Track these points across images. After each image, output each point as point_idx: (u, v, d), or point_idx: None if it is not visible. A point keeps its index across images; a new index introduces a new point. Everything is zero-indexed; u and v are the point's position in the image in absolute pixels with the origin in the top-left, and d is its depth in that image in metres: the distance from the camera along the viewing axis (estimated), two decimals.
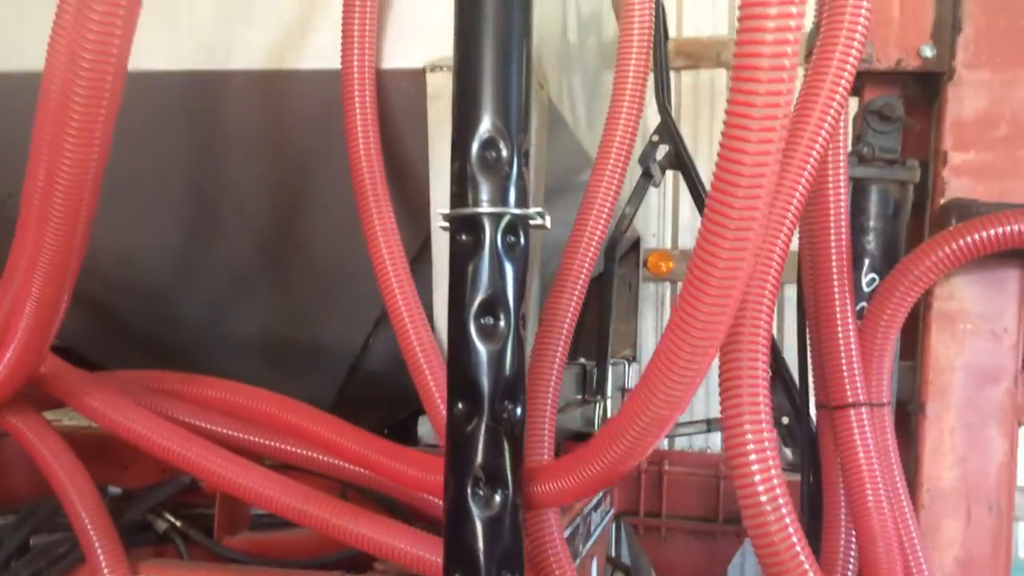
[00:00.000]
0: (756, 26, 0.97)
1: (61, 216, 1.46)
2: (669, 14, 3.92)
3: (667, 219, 4.98)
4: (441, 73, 1.91)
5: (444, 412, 1.62)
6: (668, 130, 2.60)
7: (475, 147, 1.37)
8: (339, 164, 2.11)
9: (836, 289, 1.66)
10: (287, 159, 2.21)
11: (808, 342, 1.82)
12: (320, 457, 1.93)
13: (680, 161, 3.12)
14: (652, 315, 4.90)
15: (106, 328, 2.78)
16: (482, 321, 1.36)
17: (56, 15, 1.41)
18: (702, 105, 4.90)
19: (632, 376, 3.80)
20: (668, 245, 4.97)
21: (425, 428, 2.53)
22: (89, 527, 1.75)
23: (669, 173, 2.76)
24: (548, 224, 1.43)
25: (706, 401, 4.49)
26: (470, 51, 1.42)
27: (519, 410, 1.36)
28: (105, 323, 2.73)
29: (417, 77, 1.92)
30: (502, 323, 1.36)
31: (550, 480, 1.38)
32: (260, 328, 2.75)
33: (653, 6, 1.80)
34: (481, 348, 1.35)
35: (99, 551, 1.74)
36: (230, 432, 1.91)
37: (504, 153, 1.38)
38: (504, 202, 1.37)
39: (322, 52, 1.93)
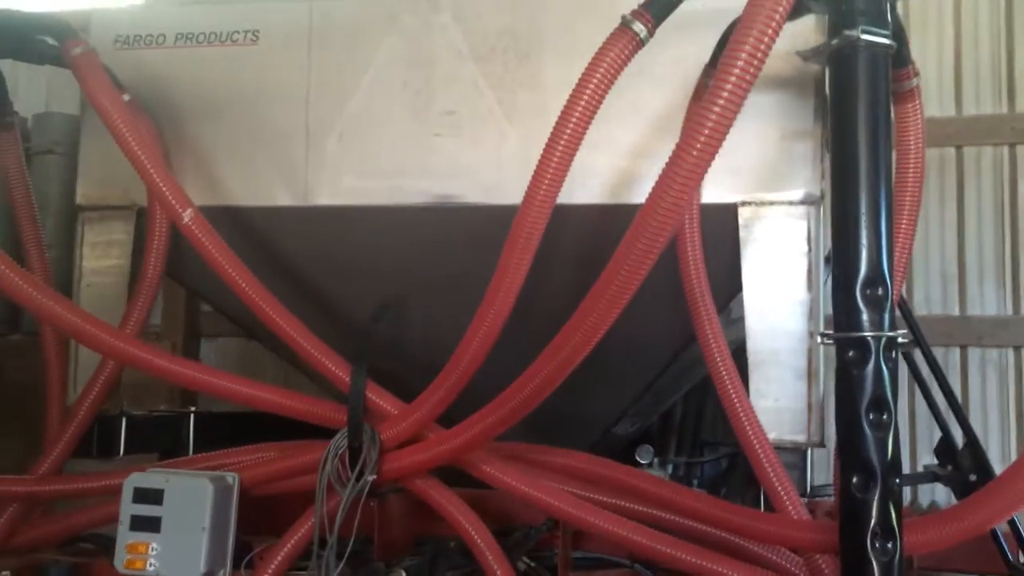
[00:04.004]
0: None
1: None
2: None
3: None
4: (749, 208, 2.45)
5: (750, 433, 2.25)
6: None
7: (859, 285, 1.86)
8: None
9: None
10: (594, 266, 2.72)
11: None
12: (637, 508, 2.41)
13: None
14: None
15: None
16: (871, 416, 1.84)
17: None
18: None
19: None
20: None
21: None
22: (495, 568, 2.24)
23: None
24: (906, 339, 1.92)
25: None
26: (848, 205, 1.91)
27: (899, 481, 1.84)
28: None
29: (730, 210, 2.44)
30: (885, 416, 1.84)
31: (922, 532, 1.85)
32: None
33: None
34: (871, 436, 1.83)
35: None
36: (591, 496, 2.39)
37: (880, 291, 1.86)
38: (882, 327, 1.85)
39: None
